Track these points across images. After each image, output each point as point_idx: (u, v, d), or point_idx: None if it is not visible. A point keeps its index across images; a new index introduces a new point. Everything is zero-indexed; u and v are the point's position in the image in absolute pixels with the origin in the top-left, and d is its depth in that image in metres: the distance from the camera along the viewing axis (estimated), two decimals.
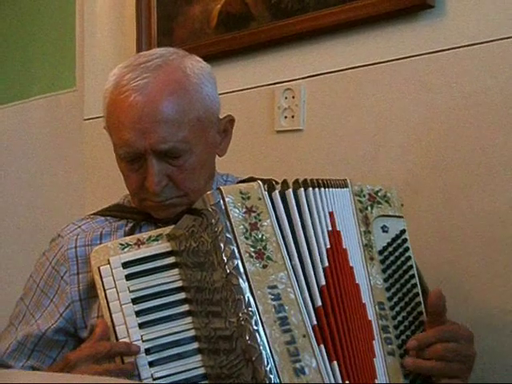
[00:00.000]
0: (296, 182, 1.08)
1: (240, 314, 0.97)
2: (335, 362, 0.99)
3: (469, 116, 1.40)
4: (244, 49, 1.79)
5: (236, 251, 0.99)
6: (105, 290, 1.07)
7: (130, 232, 1.20)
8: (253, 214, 1.02)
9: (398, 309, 1.08)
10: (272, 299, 0.98)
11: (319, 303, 1.01)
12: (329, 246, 1.05)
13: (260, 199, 1.03)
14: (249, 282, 0.98)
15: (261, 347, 0.95)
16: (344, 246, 1.07)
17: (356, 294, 1.05)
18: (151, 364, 1.04)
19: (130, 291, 1.07)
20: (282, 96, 1.71)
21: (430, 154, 1.46)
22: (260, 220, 1.02)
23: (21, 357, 1.21)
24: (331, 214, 1.08)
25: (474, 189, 1.39)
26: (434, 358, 1.04)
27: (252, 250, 1.00)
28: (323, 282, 1.03)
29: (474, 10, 1.39)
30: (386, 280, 1.08)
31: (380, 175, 1.52)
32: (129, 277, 1.08)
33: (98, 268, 1.08)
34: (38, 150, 2.48)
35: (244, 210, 1.02)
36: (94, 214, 1.30)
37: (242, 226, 1.01)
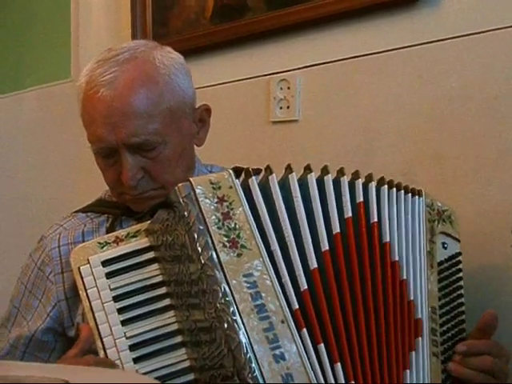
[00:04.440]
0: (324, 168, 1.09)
1: (217, 305, 0.96)
2: (322, 345, 0.99)
3: (464, 106, 1.37)
4: (239, 39, 1.78)
5: (209, 242, 0.99)
6: (86, 290, 1.07)
7: (111, 229, 1.21)
8: (225, 204, 1.01)
9: (444, 319, 1.12)
10: (248, 287, 0.98)
11: (305, 286, 1.00)
12: (338, 231, 1.05)
13: (231, 187, 1.02)
14: (224, 272, 0.98)
15: (239, 336, 0.95)
16: (386, 240, 1.08)
17: (399, 290, 1.06)
18: (136, 360, 1.03)
19: (111, 289, 1.07)
20: (278, 87, 1.69)
21: (426, 144, 1.43)
22: (232, 209, 1.01)
23: (13, 360, 1.22)
24: (360, 204, 1.07)
25: (469, 180, 1.37)
26: (479, 369, 1.06)
27: (225, 239, 0.99)
28: (315, 265, 1.02)
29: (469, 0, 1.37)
30: (439, 290, 1.12)
31: (375, 165, 1.49)
32: (109, 275, 1.07)
33: (78, 268, 1.08)
34: (33, 142, 2.47)
35: (216, 199, 1.01)
36: (76, 211, 1.32)
37: (214, 217, 1.00)
